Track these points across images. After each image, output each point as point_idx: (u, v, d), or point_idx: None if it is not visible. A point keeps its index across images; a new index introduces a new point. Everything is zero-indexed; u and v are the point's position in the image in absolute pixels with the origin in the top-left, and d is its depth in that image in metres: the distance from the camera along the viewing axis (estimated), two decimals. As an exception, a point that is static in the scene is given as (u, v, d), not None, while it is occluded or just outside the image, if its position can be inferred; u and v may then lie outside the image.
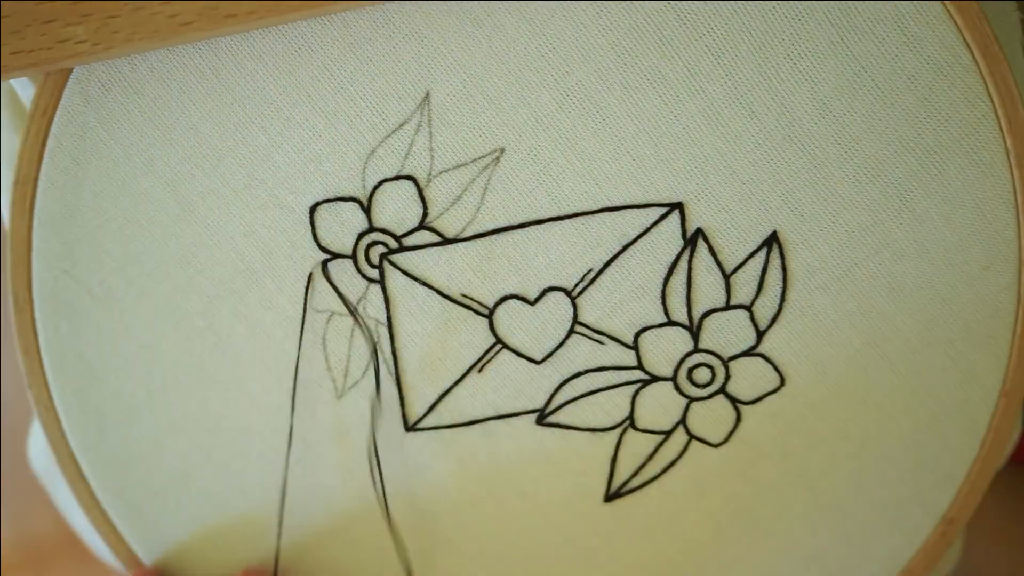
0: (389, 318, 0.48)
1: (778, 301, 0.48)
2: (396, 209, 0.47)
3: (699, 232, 0.47)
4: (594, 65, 0.45)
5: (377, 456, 0.49)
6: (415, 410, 0.49)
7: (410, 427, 0.50)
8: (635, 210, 0.47)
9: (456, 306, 0.48)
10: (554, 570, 0.52)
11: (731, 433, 0.50)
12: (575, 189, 0.46)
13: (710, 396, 0.49)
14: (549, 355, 0.49)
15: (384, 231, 0.47)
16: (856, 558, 0.52)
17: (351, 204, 0.47)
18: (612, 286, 0.48)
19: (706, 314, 0.48)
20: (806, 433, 0.50)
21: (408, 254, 0.47)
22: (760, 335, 0.48)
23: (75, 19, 0.43)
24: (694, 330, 0.48)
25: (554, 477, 0.51)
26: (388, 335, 0.48)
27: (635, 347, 0.49)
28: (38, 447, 0.55)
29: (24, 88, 0.48)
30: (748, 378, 0.49)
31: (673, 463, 0.51)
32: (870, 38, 0.44)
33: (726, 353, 0.49)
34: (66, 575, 0.71)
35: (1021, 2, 0.48)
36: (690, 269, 0.47)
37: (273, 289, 0.48)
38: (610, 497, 0.51)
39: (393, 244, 0.47)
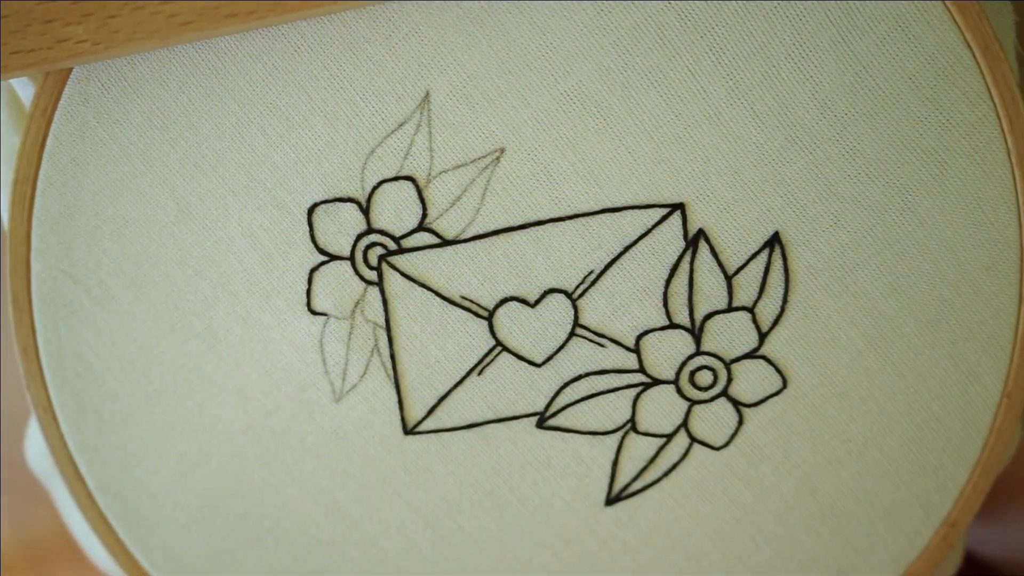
0: (388, 320, 0.48)
1: (780, 302, 0.48)
2: (395, 210, 0.47)
3: (701, 233, 0.47)
4: (595, 65, 0.45)
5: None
6: (414, 413, 0.49)
7: (409, 431, 0.49)
8: (636, 211, 0.47)
9: (456, 308, 0.48)
10: (554, 574, 0.52)
11: (733, 436, 0.50)
12: (576, 190, 0.46)
13: (712, 399, 0.49)
14: (549, 358, 0.49)
15: (383, 232, 0.47)
16: (858, 561, 0.52)
17: (350, 205, 0.47)
18: (613, 288, 0.48)
19: (708, 316, 0.48)
20: (808, 435, 0.50)
21: (407, 256, 0.47)
22: (762, 337, 0.48)
23: (75, 19, 0.43)
24: (696, 332, 0.48)
25: (555, 481, 0.50)
26: (387, 338, 0.48)
27: (636, 350, 0.48)
28: (36, 447, 0.55)
29: (24, 88, 0.48)
30: (750, 380, 0.49)
31: (675, 466, 0.50)
32: (871, 38, 0.44)
33: (728, 355, 0.49)
34: (66, 575, 0.71)
35: (1018, 2, 0.48)
36: (692, 270, 0.47)
37: (271, 291, 0.48)
38: (611, 501, 0.51)
39: (392, 245, 0.47)
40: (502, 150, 0.46)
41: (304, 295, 0.48)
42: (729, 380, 0.49)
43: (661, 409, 0.49)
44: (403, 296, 0.48)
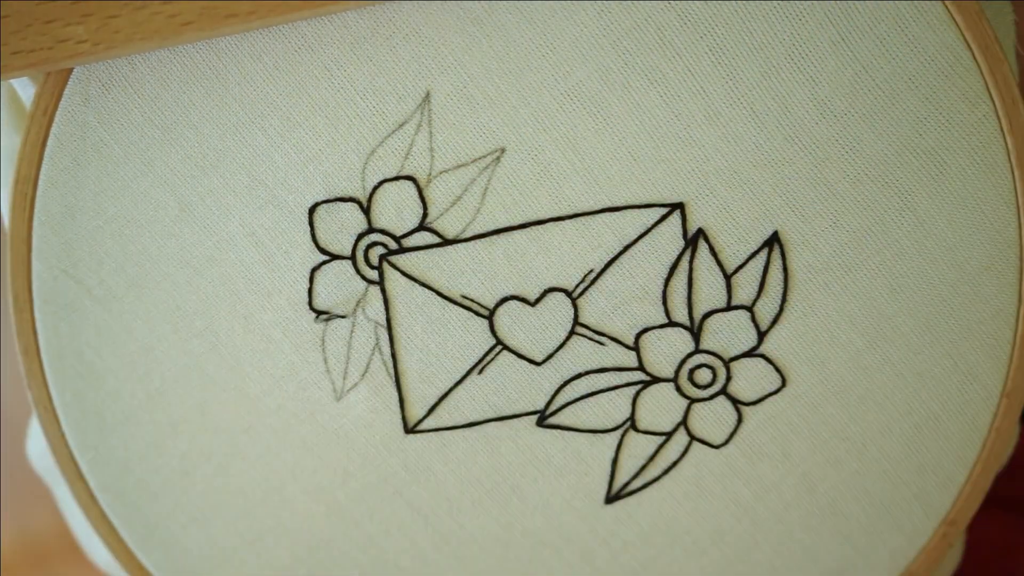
0: (388, 320, 0.48)
1: (779, 301, 0.48)
2: (396, 209, 0.47)
3: (700, 232, 0.47)
4: (595, 65, 0.45)
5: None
6: (415, 412, 0.49)
7: (410, 429, 0.49)
8: (636, 210, 0.47)
9: (456, 307, 0.48)
10: (554, 572, 0.52)
11: (732, 434, 0.50)
12: (576, 189, 0.46)
13: (711, 397, 0.49)
14: (549, 356, 0.49)
15: (384, 232, 0.47)
16: (857, 560, 0.52)
17: (350, 204, 0.47)
18: (613, 287, 0.48)
19: (707, 315, 0.48)
20: (807, 434, 0.50)
21: (408, 255, 0.47)
22: (761, 336, 0.48)
23: (75, 19, 0.43)
24: (695, 331, 0.48)
25: (555, 479, 0.50)
26: (388, 336, 0.48)
27: (636, 348, 0.48)
28: (38, 446, 0.55)
29: (24, 88, 0.48)
30: (749, 379, 0.49)
31: (674, 464, 0.50)
32: (871, 38, 0.44)
33: (727, 354, 0.49)
34: (66, 575, 0.71)
35: (1018, 2, 0.48)
36: (691, 269, 0.47)
37: (272, 290, 0.48)
38: (611, 499, 0.51)
39: (393, 245, 0.47)
40: (502, 150, 0.46)
41: (306, 294, 0.48)
42: (728, 378, 0.49)
43: (660, 407, 0.49)
44: (404, 295, 0.48)
